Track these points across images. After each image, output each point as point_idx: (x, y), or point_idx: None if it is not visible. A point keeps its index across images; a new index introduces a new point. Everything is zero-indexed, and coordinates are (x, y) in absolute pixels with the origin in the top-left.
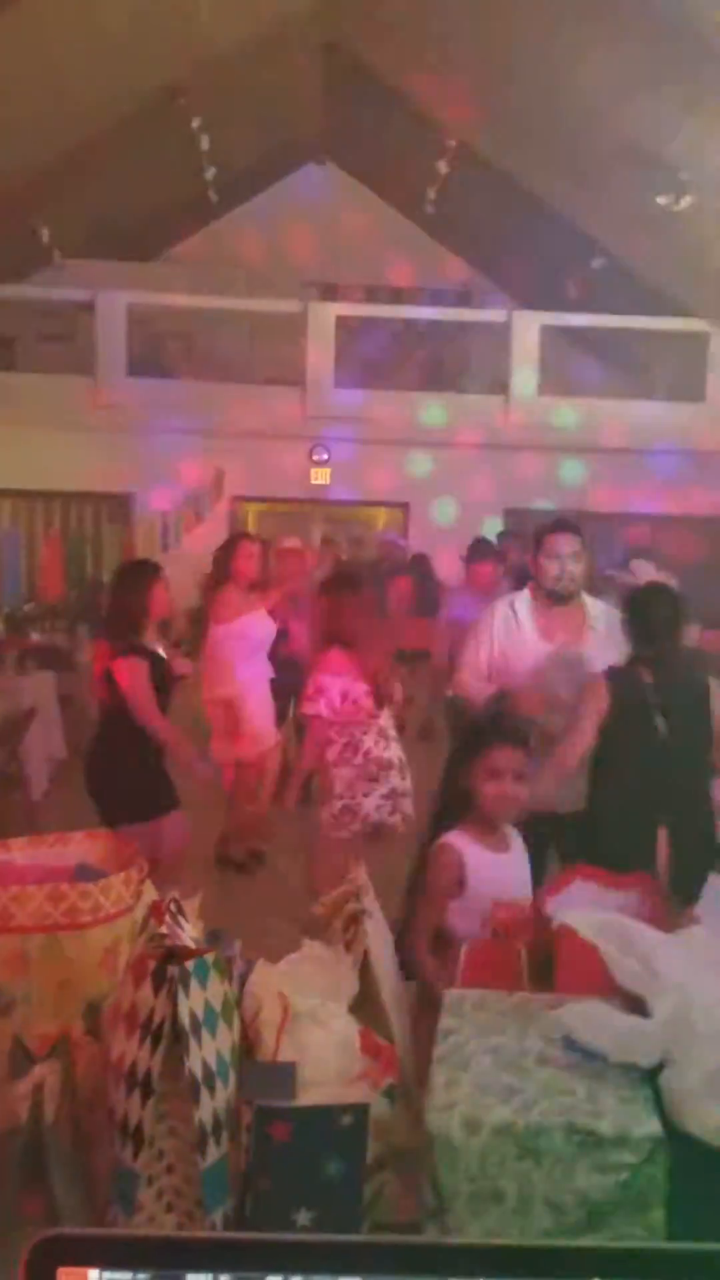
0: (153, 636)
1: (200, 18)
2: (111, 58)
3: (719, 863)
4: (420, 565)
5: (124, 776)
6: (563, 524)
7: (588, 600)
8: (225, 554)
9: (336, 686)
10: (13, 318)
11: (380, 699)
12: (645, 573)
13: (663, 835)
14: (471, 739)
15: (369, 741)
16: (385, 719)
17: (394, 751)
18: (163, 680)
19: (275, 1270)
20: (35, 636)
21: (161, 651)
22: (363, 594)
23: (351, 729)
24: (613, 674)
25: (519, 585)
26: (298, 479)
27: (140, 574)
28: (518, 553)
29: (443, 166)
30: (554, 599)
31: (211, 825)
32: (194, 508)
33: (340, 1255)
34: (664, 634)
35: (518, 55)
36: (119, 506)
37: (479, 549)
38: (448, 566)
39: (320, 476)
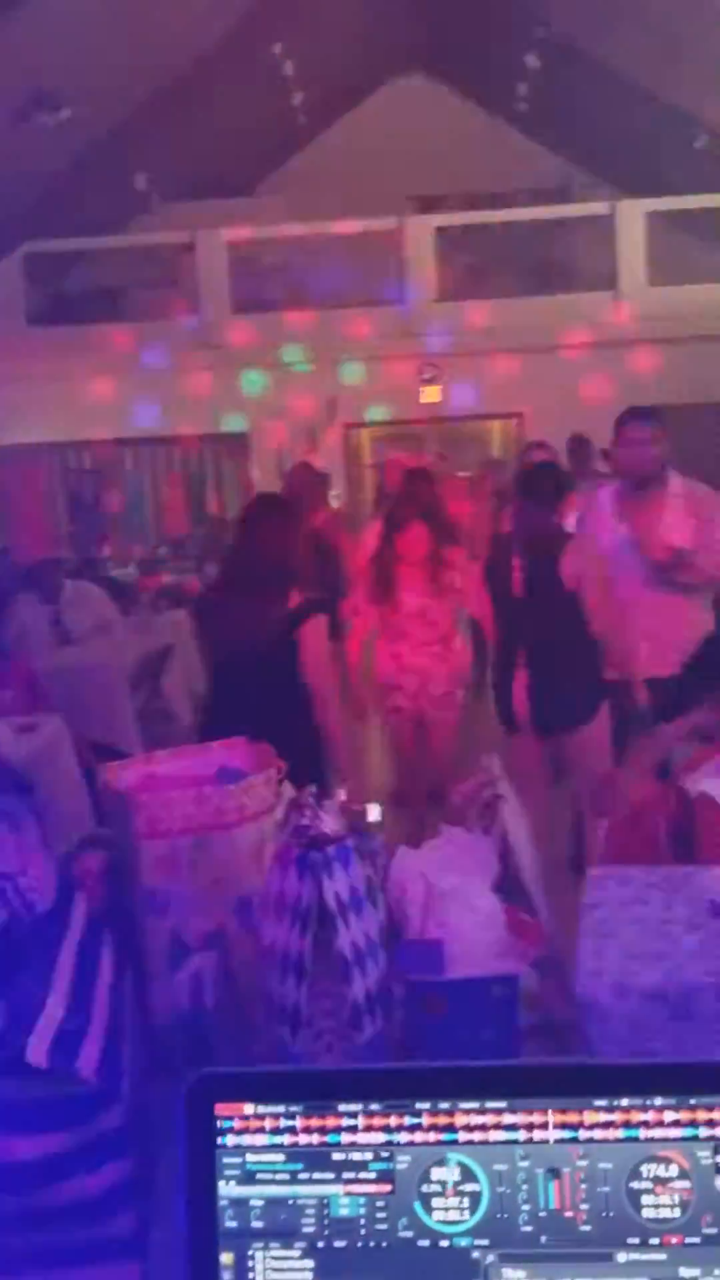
0: None
1: None
2: None
3: None
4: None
5: None
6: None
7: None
8: None
9: None
10: (116, 268)
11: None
12: None
13: None
14: None
15: None
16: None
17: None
18: None
19: (423, 1097)
20: (166, 577)
21: None
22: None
23: None
24: None
25: None
26: (408, 399)
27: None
28: None
29: (533, 60)
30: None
31: None
32: (309, 438)
33: (485, 1080)
34: None
35: None
36: (237, 443)
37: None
38: None
39: (430, 394)
